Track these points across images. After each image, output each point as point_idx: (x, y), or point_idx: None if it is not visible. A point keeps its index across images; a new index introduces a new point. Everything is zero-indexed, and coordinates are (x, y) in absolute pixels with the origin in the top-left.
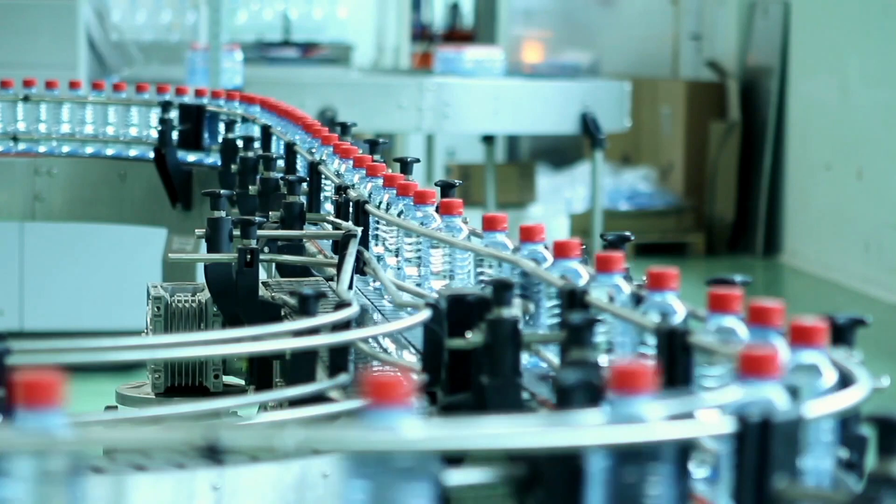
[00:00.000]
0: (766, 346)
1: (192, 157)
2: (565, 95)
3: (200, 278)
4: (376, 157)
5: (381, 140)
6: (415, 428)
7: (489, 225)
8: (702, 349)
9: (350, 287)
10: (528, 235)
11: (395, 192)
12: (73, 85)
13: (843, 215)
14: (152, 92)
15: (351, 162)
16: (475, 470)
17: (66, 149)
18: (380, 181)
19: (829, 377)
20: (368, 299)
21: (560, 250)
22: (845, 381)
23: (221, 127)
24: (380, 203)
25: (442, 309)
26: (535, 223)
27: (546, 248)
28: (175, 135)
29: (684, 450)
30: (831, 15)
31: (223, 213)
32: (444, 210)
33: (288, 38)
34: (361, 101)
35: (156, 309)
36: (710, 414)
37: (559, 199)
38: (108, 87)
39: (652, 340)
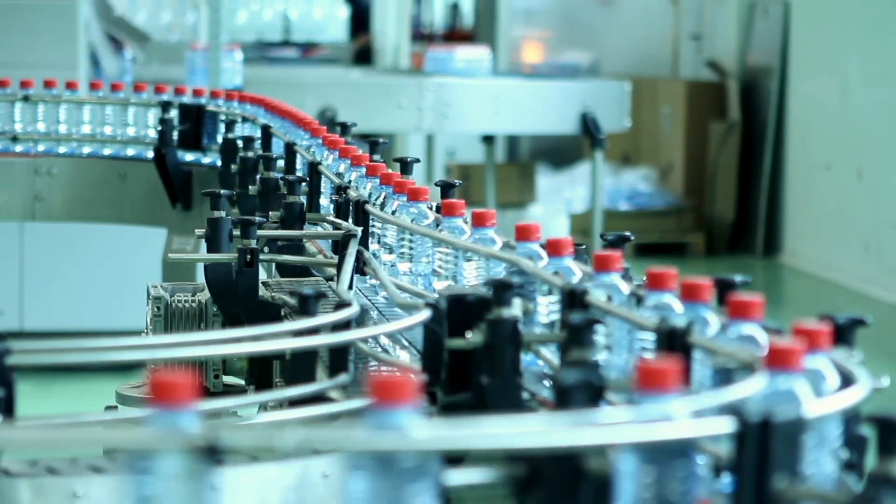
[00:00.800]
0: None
1: (191, 157)
2: (565, 95)
3: (200, 278)
4: (376, 156)
5: (381, 140)
6: (421, 428)
7: (478, 221)
8: (702, 348)
9: (350, 287)
10: (524, 234)
11: (378, 180)
12: (70, 85)
13: (843, 215)
14: (128, 90)
15: (337, 153)
16: (475, 470)
17: (62, 149)
18: (363, 170)
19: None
20: (368, 299)
21: (554, 248)
22: (845, 381)
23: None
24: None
25: (442, 309)
26: (535, 223)
27: (542, 246)
28: (175, 135)
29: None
30: (831, 15)
31: (223, 213)
32: (411, 197)
33: (288, 38)
34: (361, 101)
35: (156, 309)
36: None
37: (559, 199)
38: (106, 86)
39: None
